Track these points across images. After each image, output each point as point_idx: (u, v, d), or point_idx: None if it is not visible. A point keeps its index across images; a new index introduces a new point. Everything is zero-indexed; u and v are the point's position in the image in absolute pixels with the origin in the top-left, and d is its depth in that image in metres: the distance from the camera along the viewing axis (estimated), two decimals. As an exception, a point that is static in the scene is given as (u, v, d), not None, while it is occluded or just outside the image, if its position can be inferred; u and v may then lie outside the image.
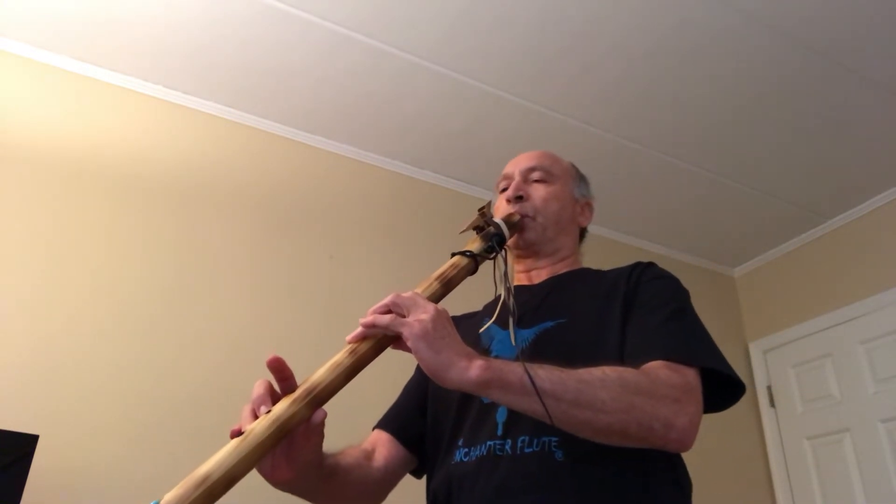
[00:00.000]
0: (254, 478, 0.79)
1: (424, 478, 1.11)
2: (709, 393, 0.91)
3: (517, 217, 1.14)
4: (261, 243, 2.38)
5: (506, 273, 1.01)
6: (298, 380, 0.82)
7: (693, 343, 0.95)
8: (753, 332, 3.27)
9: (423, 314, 0.81)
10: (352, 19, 2.14)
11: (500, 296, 1.03)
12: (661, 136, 2.61)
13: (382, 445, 1.10)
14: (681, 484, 0.96)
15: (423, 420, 1.11)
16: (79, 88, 2.29)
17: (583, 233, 1.27)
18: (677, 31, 2.14)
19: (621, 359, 0.94)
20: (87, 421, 1.88)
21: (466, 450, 0.97)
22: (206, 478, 0.70)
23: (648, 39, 2.18)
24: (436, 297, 0.92)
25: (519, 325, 1.02)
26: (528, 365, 0.81)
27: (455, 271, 0.96)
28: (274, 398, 0.80)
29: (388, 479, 1.08)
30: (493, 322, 1.04)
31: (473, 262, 0.99)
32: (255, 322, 2.24)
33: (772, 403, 3.07)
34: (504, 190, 1.22)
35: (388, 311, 0.83)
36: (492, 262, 1.03)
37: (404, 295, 0.84)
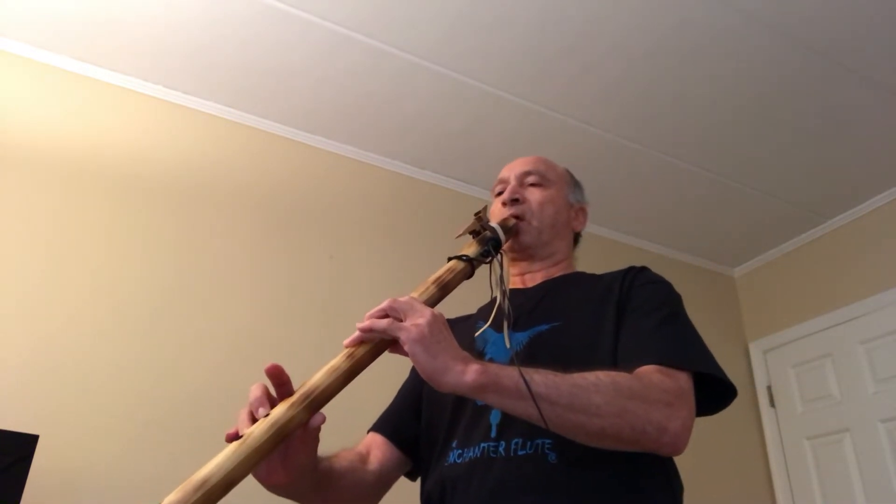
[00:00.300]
0: (251, 481, 0.79)
1: (419, 480, 1.12)
2: (701, 396, 0.92)
3: (512, 221, 1.15)
4: (261, 243, 2.38)
5: (501, 276, 1.02)
6: (296, 383, 0.82)
7: (685, 347, 0.97)
8: (753, 332, 3.26)
9: (419, 318, 0.82)
10: (352, 19, 2.14)
11: (495, 298, 1.05)
12: (661, 136, 2.61)
13: (377, 448, 1.11)
14: (672, 486, 0.97)
15: (417, 422, 1.12)
16: (79, 88, 2.29)
17: (577, 237, 1.29)
18: (677, 31, 2.14)
19: (615, 363, 0.95)
20: (87, 421, 1.88)
21: (460, 451, 0.97)
22: (204, 481, 0.70)
23: (648, 39, 2.18)
24: (432, 301, 0.93)
25: (513, 328, 1.03)
26: (524, 369, 0.82)
27: (451, 275, 0.97)
28: (270, 402, 0.80)
29: (383, 482, 1.09)
30: (488, 325, 1.06)
31: (470, 266, 1.00)
32: (255, 322, 2.24)
33: (772, 403, 3.07)
34: (500, 194, 1.23)
35: (385, 316, 0.84)
36: (488, 265, 1.04)
37: (401, 299, 0.85)
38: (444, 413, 1.04)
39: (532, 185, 1.22)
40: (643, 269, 1.11)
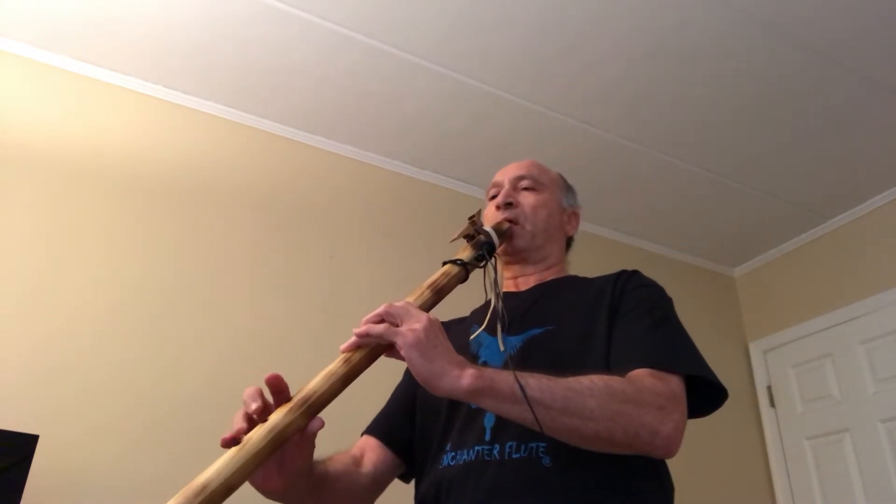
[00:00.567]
0: (249, 486, 0.80)
1: (413, 482, 1.12)
2: (692, 398, 0.94)
3: (506, 225, 1.17)
4: (261, 243, 2.38)
5: (495, 280, 1.03)
6: (296, 384, 0.83)
7: (677, 350, 0.98)
8: (753, 332, 3.26)
9: (415, 324, 0.83)
10: (352, 19, 2.14)
11: (489, 301, 1.05)
12: (661, 136, 2.61)
13: (371, 451, 1.12)
14: (665, 487, 0.98)
15: (411, 425, 1.13)
16: (79, 88, 2.29)
17: (569, 241, 1.30)
18: (677, 31, 2.14)
19: (607, 366, 0.96)
20: (87, 421, 1.88)
21: (454, 454, 0.98)
22: (204, 487, 0.71)
23: (648, 39, 2.18)
24: (427, 306, 0.94)
25: (507, 331, 1.04)
26: (519, 373, 0.83)
27: (446, 280, 0.98)
28: (265, 404, 0.81)
29: (377, 485, 1.10)
30: (483, 329, 1.07)
31: (464, 270, 1.01)
32: (255, 322, 2.24)
33: (772, 403, 3.07)
34: (493, 197, 1.25)
35: (381, 321, 0.85)
36: (482, 269, 1.05)
37: (397, 304, 0.86)
38: (439, 416, 1.05)
39: (526, 189, 1.23)
40: (634, 272, 1.12)
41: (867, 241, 2.90)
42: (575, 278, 1.21)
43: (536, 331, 1.05)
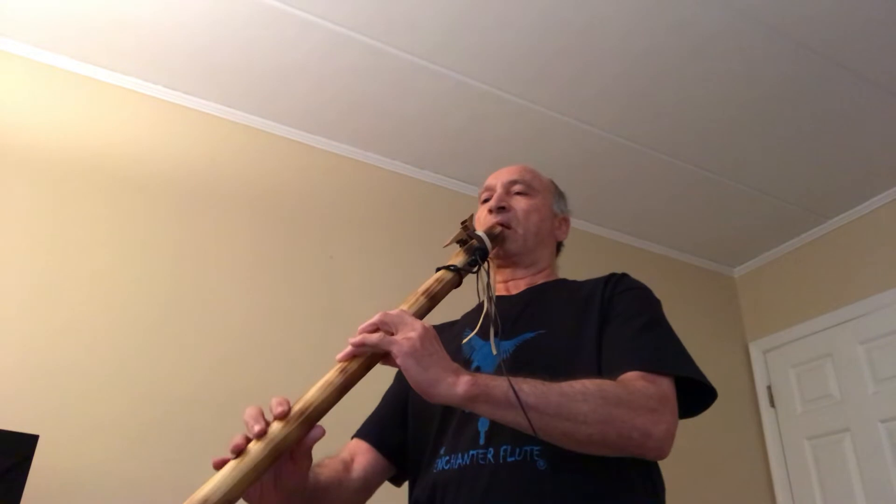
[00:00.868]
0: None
1: (406, 487, 1.13)
2: (683, 399, 0.96)
3: (498, 229, 1.18)
4: (261, 243, 2.38)
5: (488, 284, 1.04)
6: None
7: (666, 353, 0.99)
8: (753, 332, 3.26)
9: (411, 332, 0.84)
10: (352, 19, 2.14)
11: (480, 305, 1.06)
12: (660, 137, 2.61)
13: (361, 454, 1.12)
14: (657, 488, 1.00)
15: (402, 429, 1.14)
16: (79, 89, 2.29)
17: (559, 246, 1.32)
18: (676, 31, 2.14)
19: (599, 369, 0.98)
20: (87, 421, 1.88)
21: (448, 458, 0.99)
22: (204, 500, 0.72)
23: (648, 40, 2.18)
24: (422, 313, 0.95)
25: (498, 335, 1.05)
26: (513, 379, 0.84)
27: (440, 286, 0.99)
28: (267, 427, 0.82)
29: (367, 489, 1.11)
30: (475, 333, 1.07)
31: (458, 276, 1.02)
32: (255, 322, 2.24)
33: (772, 403, 3.07)
34: (486, 201, 1.26)
35: (376, 330, 0.86)
36: (475, 274, 1.06)
37: (392, 313, 0.87)
38: (432, 420, 1.06)
39: (518, 193, 1.25)
40: (623, 275, 1.14)
41: (867, 241, 2.90)
42: (565, 282, 1.22)
43: (528, 335, 1.07)
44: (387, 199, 2.71)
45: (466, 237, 1.09)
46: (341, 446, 1.16)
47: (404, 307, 0.93)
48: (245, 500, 0.82)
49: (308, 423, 0.81)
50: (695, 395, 1.00)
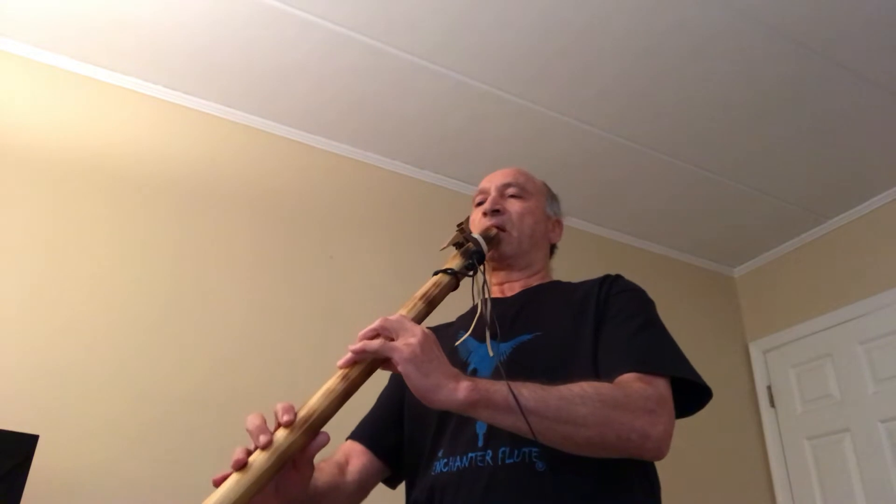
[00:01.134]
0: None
1: (400, 489, 1.14)
2: (678, 399, 0.96)
3: (494, 231, 1.19)
4: (261, 243, 2.38)
5: (484, 286, 1.05)
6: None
7: (661, 354, 1.00)
8: (753, 332, 3.26)
9: (411, 338, 0.84)
10: (352, 19, 2.14)
11: (475, 307, 1.06)
12: (660, 136, 2.61)
13: (356, 457, 1.13)
14: (654, 488, 1.01)
15: (397, 431, 1.14)
16: (79, 88, 2.29)
17: (553, 249, 1.33)
18: (677, 31, 2.14)
19: (595, 371, 0.99)
20: (87, 421, 1.88)
21: (447, 460, 0.99)
22: None
23: (648, 39, 2.18)
24: (420, 317, 0.95)
25: (495, 338, 1.05)
26: (512, 384, 0.84)
27: (438, 290, 1.00)
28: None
29: (362, 491, 1.11)
30: (470, 335, 1.08)
31: (455, 279, 1.03)
32: (255, 322, 2.24)
33: (772, 403, 3.06)
34: (480, 204, 1.26)
35: (377, 336, 0.86)
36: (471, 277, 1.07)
37: (391, 318, 0.87)
38: (430, 422, 1.06)
39: (512, 196, 1.25)
40: (617, 277, 1.15)
41: (867, 241, 2.90)
42: (559, 283, 1.23)
43: (525, 337, 1.07)
44: (387, 199, 2.71)
45: (463, 240, 1.10)
46: (331, 446, 1.15)
47: (403, 312, 0.93)
48: None
49: (312, 430, 0.81)
50: (690, 394, 1.00)
